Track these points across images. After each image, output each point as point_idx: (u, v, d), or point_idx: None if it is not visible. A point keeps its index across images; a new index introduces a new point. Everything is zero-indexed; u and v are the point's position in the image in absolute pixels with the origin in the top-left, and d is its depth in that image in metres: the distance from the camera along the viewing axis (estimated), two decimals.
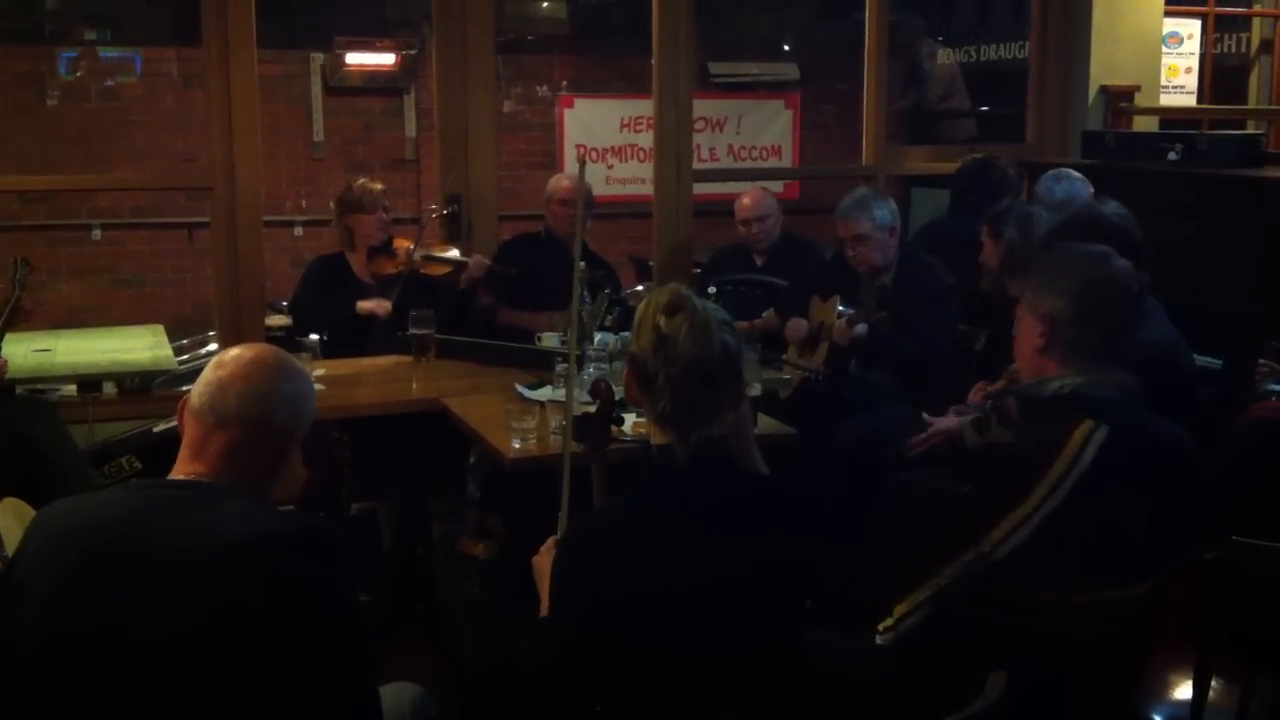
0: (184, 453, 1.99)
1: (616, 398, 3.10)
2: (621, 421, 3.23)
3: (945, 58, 7.57)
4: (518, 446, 3.37)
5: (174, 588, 1.80)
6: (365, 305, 4.52)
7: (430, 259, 4.70)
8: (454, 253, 4.81)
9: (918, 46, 7.24)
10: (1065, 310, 2.46)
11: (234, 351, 2.06)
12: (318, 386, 3.79)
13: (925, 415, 3.66)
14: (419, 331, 4.22)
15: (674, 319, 2.12)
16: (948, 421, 3.60)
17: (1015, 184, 4.98)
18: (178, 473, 1.98)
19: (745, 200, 5.21)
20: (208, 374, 2.02)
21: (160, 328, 5.79)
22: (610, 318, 4.37)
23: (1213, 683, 2.46)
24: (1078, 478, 2.28)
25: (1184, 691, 2.56)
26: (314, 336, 4.54)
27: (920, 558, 2.33)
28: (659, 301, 2.17)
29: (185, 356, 5.60)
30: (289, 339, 4.68)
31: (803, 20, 9.14)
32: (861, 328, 4.17)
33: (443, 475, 4.30)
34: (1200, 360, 3.91)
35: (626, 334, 4.27)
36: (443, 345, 4.26)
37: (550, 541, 2.49)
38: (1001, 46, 7.53)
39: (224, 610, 1.79)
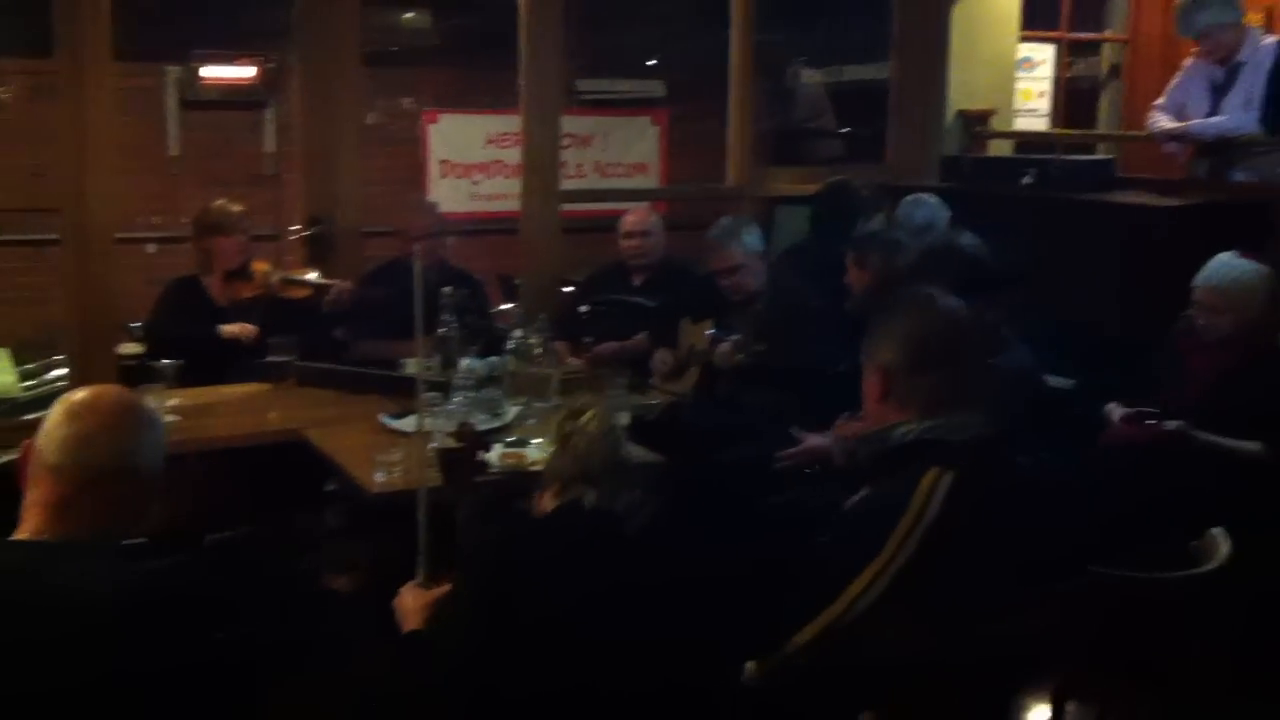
0: (41, 511, 1.90)
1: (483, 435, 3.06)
2: (488, 448, 3.18)
3: (810, 78, 7.67)
4: (381, 479, 3.30)
5: (48, 650, 1.75)
6: (229, 329, 4.39)
7: (290, 282, 4.59)
8: (315, 275, 4.70)
9: (784, 66, 7.33)
10: (898, 359, 2.48)
11: (84, 398, 1.98)
12: (172, 417, 3.71)
13: (795, 431, 3.69)
14: (278, 358, 4.11)
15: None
16: (818, 439, 3.63)
17: (873, 207, 5.05)
18: (34, 531, 1.90)
19: (630, 215, 5.22)
20: (63, 426, 1.93)
21: (4, 351, 5.55)
22: (478, 343, 4.31)
23: (1069, 706, 2.52)
24: (929, 526, 2.29)
25: (1042, 715, 2.62)
26: (169, 361, 4.40)
27: (783, 613, 2.33)
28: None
29: (31, 382, 5.38)
30: (142, 365, 4.52)
31: (670, 37, 9.18)
32: (740, 354, 4.19)
33: (303, 505, 4.19)
34: (1054, 381, 4.01)
35: (495, 359, 4.24)
36: (303, 372, 4.16)
37: (412, 586, 2.46)
38: (865, 66, 7.66)
39: (104, 671, 1.75)
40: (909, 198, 4.77)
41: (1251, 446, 3.69)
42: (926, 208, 4.68)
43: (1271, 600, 3.12)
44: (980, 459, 2.41)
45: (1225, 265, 3.99)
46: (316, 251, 5.10)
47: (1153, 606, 2.63)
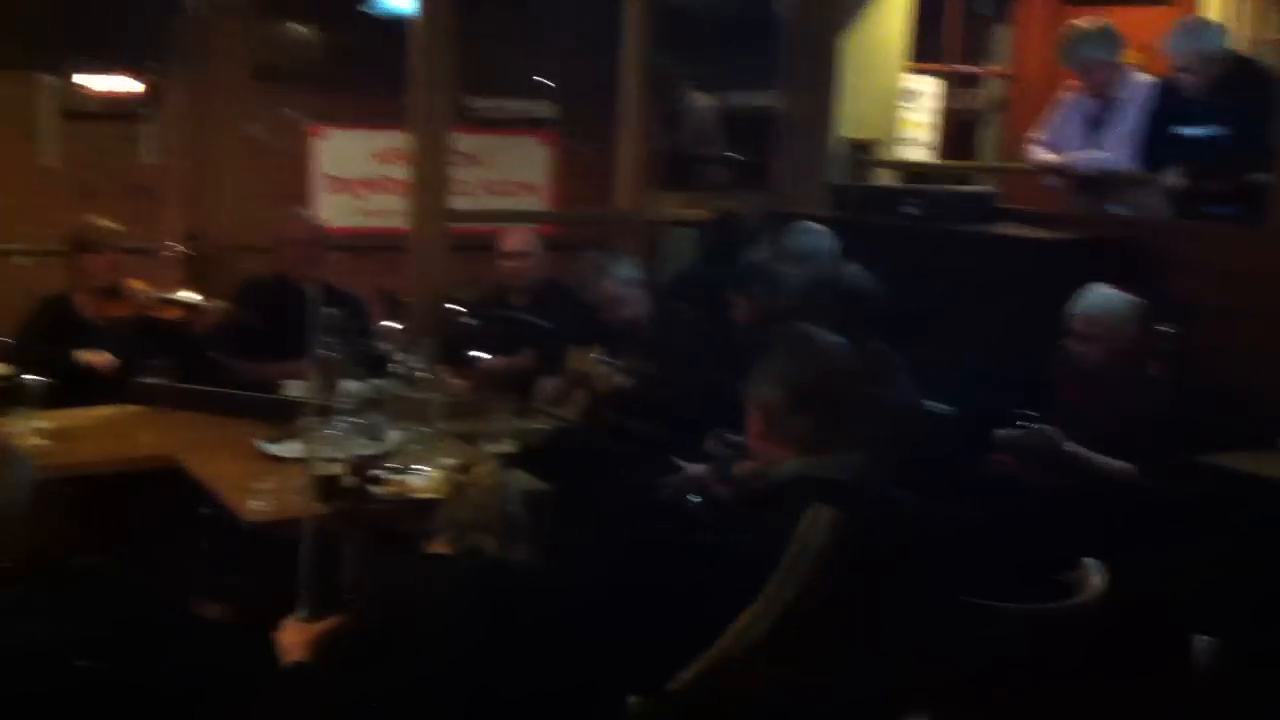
0: None
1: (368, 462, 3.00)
2: (373, 476, 3.12)
3: (700, 102, 7.70)
4: (257, 507, 3.22)
5: None
6: (85, 357, 4.24)
7: (165, 301, 4.47)
8: (191, 295, 4.58)
9: (674, 89, 7.35)
10: (778, 398, 2.49)
11: None
12: (40, 441, 3.57)
13: (679, 461, 3.69)
14: (151, 380, 3.99)
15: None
16: (701, 468, 3.63)
17: (760, 235, 5.08)
18: None
19: (509, 236, 5.20)
20: None
21: None
22: (360, 365, 4.23)
23: None
24: (810, 564, 2.29)
25: None
26: (35, 379, 4.23)
27: (664, 651, 2.31)
28: None
29: None
30: (9, 385, 4.35)
31: (562, 57, 9.16)
32: (626, 380, 4.18)
33: (176, 532, 4.07)
34: (935, 408, 4.07)
35: (377, 382, 4.17)
36: (177, 395, 4.04)
37: (295, 619, 2.41)
38: (754, 93, 7.70)
39: None
40: (796, 226, 4.81)
41: (1121, 465, 3.80)
42: (813, 236, 4.72)
43: (1145, 629, 3.19)
44: (861, 497, 2.42)
45: (1099, 296, 4.11)
46: (194, 269, 4.97)
47: (1028, 639, 2.66)
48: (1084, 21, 5.36)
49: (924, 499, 2.83)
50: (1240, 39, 5.82)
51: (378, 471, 3.23)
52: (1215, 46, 4.94)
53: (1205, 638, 3.34)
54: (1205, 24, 5.29)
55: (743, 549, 2.52)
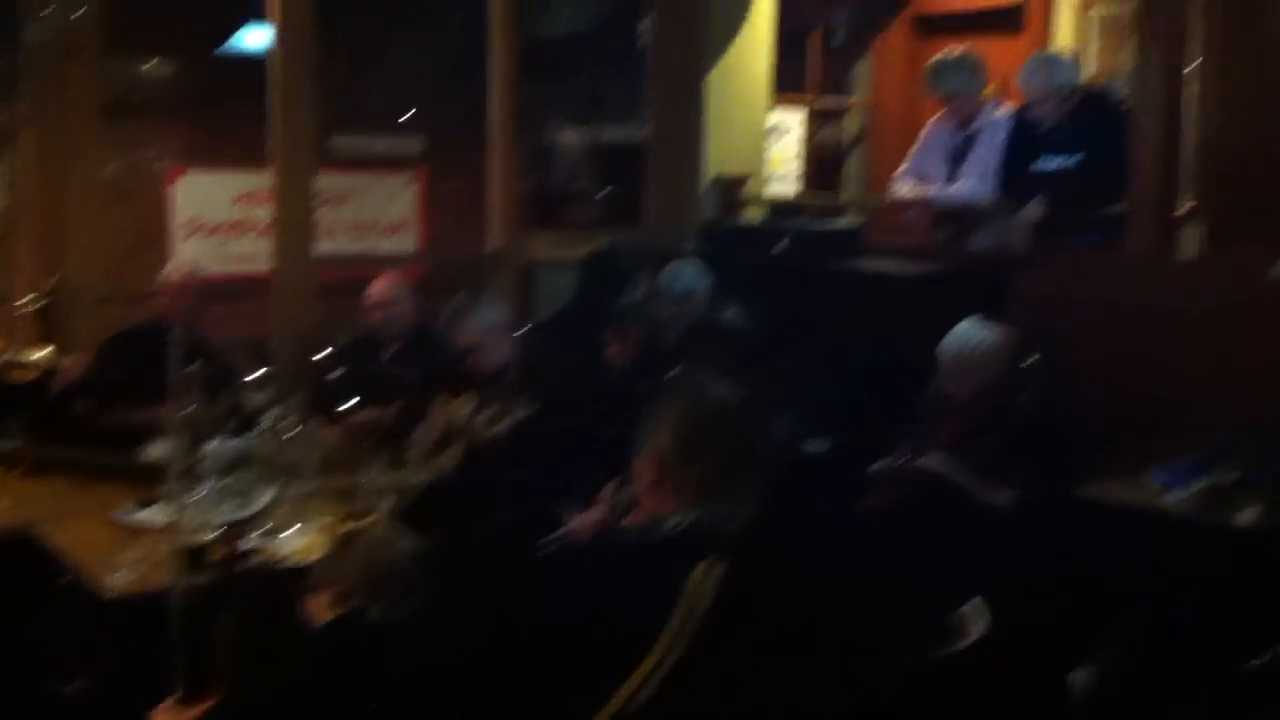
0: None
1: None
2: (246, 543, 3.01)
3: (569, 137, 7.68)
4: (120, 579, 3.08)
5: None
6: None
7: (14, 364, 4.28)
8: (44, 354, 4.39)
9: (543, 124, 7.32)
10: (671, 447, 2.46)
11: None
12: None
13: (563, 514, 3.64)
14: (4, 445, 3.81)
15: None
16: (580, 520, 3.59)
17: (637, 274, 5.07)
18: None
19: (375, 285, 5.07)
20: None
21: None
22: (228, 423, 4.10)
23: None
24: (700, 621, 2.27)
25: None
26: None
27: (552, 710, 2.26)
28: None
29: None
30: None
31: (429, 93, 9.04)
32: (501, 428, 4.12)
33: (34, 606, 3.89)
34: (813, 447, 4.10)
35: (246, 440, 4.03)
36: (33, 459, 3.87)
37: (169, 704, 2.31)
38: (624, 127, 7.70)
39: None
40: (670, 265, 4.81)
41: (1000, 497, 3.87)
42: (688, 275, 4.73)
43: (1026, 665, 3.23)
44: (751, 547, 2.41)
45: (967, 333, 4.19)
46: (50, 321, 4.78)
47: (917, 684, 2.67)
48: (950, 51, 5.47)
49: (809, 543, 2.85)
50: (1092, 71, 6.00)
51: (250, 537, 3.12)
52: (1068, 80, 5.07)
53: (1081, 670, 3.39)
54: (1058, 58, 5.45)
55: (632, 602, 2.49)
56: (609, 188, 7.27)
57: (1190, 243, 4.99)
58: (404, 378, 4.85)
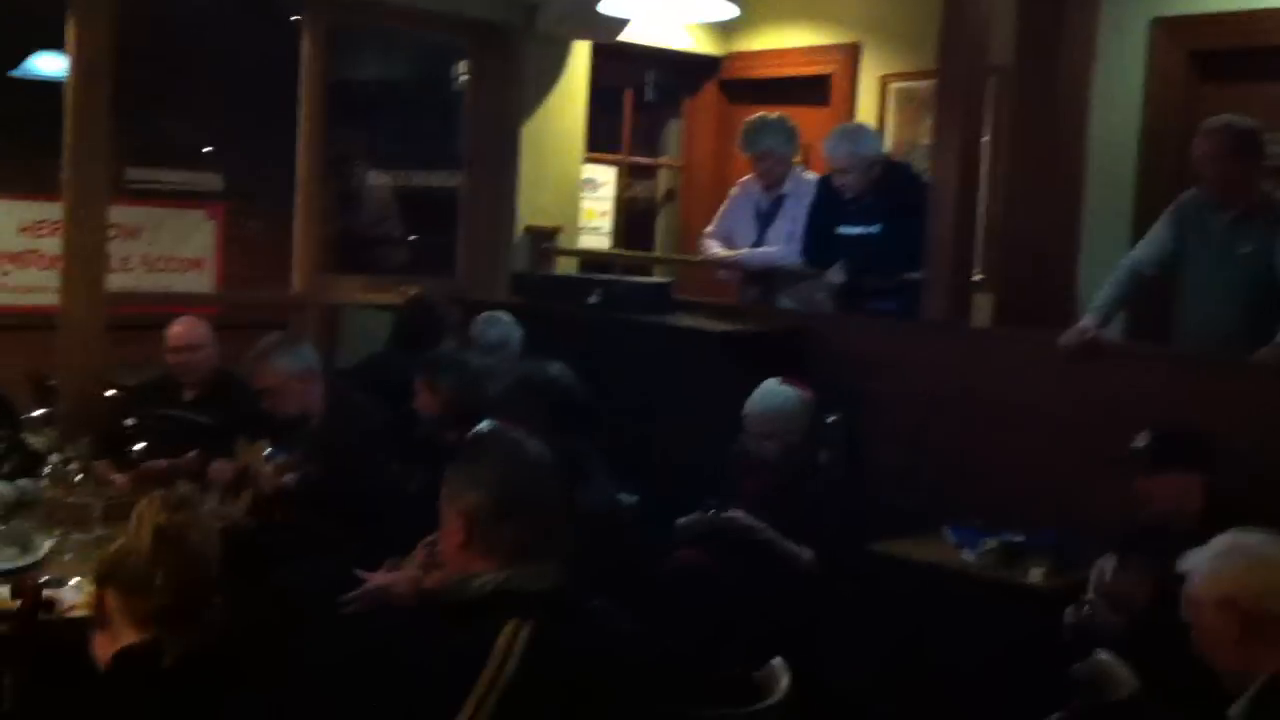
0: None
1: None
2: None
3: (378, 180, 7.58)
4: None
5: None
6: None
7: None
8: None
9: (352, 167, 7.21)
10: (482, 506, 2.41)
11: None
12: None
13: (359, 572, 3.53)
14: None
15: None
16: (383, 578, 3.48)
17: (453, 324, 5.02)
18: None
19: (174, 327, 4.84)
20: None
21: None
22: (8, 464, 3.87)
23: None
24: (507, 683, 2.22)
25: None
26: None
27: None
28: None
29: None
30: None
31: (231, 130, 8.81)
32: (290, 477, 3.99)
33: None
34: (621, 502, 4.09)
35: (25, 483, 3.82)
36: None
37: None
38: (435, 173, 7.65)
39: None
40: (483, 315, 4.77)
41: (804, 551, 3.94)
42: (500, 326, 4.70)
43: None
44: (559, 608, 2.37)
45: (771, 392, 4.27)
46: None
47: None
48: (767, 114, 5.61)
49: (617, 601, 2.82)
50: (893, 143, 6.24)
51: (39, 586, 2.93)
52: (871, 151, 5.26)
53: None
54: (862, 129, 5.64)
55: (438, 663, 2.43)
56: (419, 234, 7.20)
57: (982, 312, 5.23)
58: (201, 422, 4.66)
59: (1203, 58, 5.60)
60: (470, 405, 3.77)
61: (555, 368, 3.59)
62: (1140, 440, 3.60)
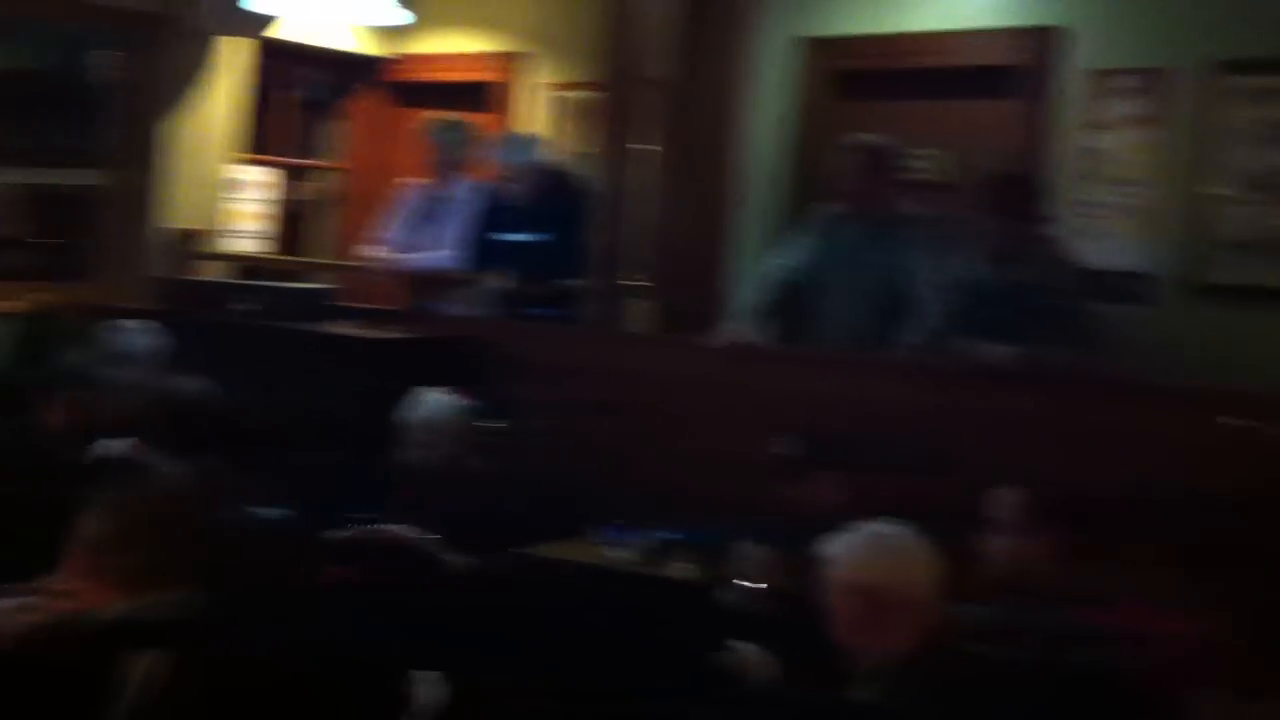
0: None
1: None
2: None
3: (8, 179, 6.99)
4: None
5: None
6: None
7: None
8: None
9: None
10: (103, 534, 2.27)
11: None
12: None
13: None
14: None
15: None
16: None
17: (79, 332, 4.68)
18: None
19: None
20: None
21: None
22: None
23: None
24: (137, 715, 2.08)
25: None
26: None
27: None
28: None
29: None
30: None
31: None
32: None
33: None
34: (269, 518, 3.91)
35: None
36: None
37: None
38: (68, 171, 7.11)
39: None
40: (115, 323, 4.47)
41: (461, 560, 3.88)
42: (137, 336, 4.41)
43: None
44: (193, 637, 2.24)
45: (429, 400, 4.21)
46: None
47: None
48: (448, 115, 5.58)
49: (264, 622, 2.68)
50: (558, 152, 6.27)
51: None
52: (536, 158, 5.27)
53: None
54: (527, 138, 5.65)
55: (59, 701, 2.25)
56: (50, 237, 6.67)
57: (641, 318, 5.33)
58: None
59: (845, 77, 5.90)
60: (98, 422, 3.51)
61: (194, 382, 3.39)
62: (786, 440, 3.77)
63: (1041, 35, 5.29)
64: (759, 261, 5.06)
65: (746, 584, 3.53)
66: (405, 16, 5.45)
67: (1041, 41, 5.30)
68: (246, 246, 6.54)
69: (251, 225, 6.61)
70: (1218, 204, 4.93)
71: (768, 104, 5.76)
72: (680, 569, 3.89)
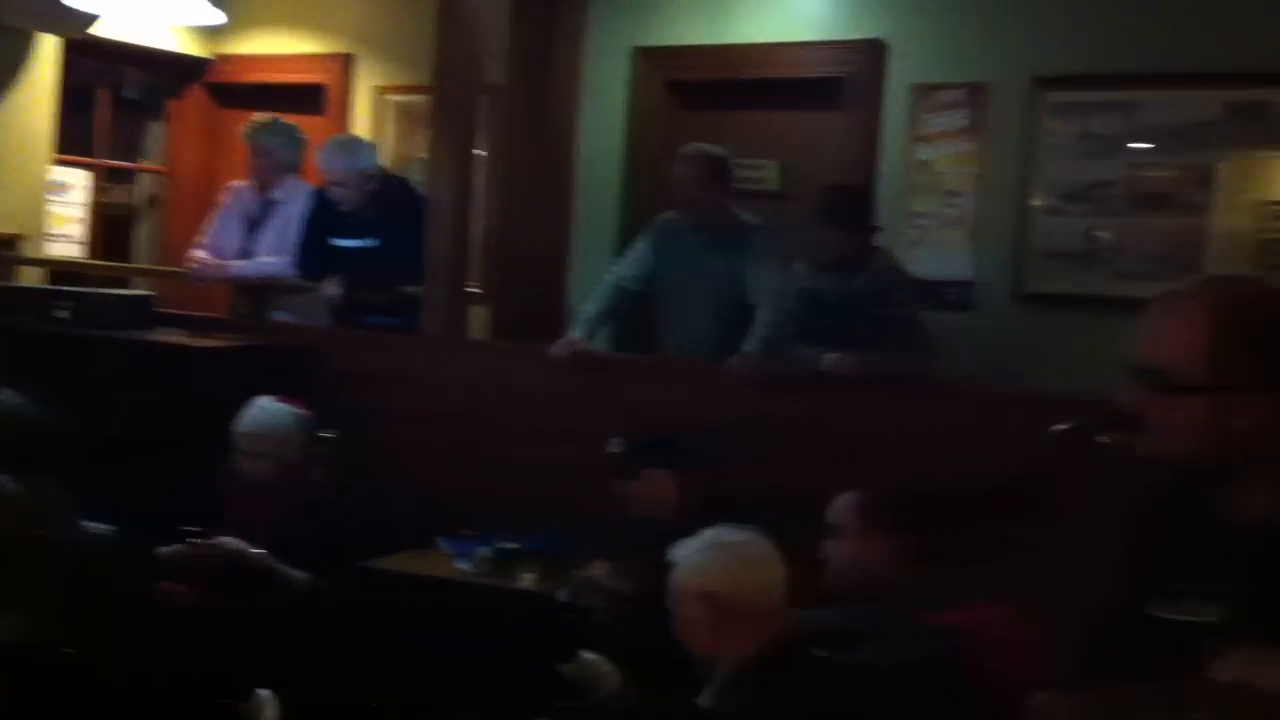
0: None
1: None
2: None
3: None
4: None
5: None
6: None
7: None
8: None
9: None
10: None
11: None
12: None
13: None
14: None
15: None
16: None
17: None
18: None
19: None
20: None
21: None
22: None
23: None
24: None
25: None
26: None
27: None
28: None
29: None
30: None
31: None
32: None
33: None
34: (95, 536, 3.75)
35: None
36: None
37: None
38: None
39: None
40: None
41: (300, 575, 3.79)
42: None
43: None
44: (30, 660, 2.13)
45: (261, 410, 4.09)
46: None
47: None
48: (274, 116, 5.43)
49: (99, 642, 2.58)
50: (389, 156, 6.18)
51: None
52: (367, 163, 5.17)
53: None
54: (357, 141, 5.53)
55: None
56: None
57: (479, 325, 5.29)
58: None
59: (680, 87, 5.96)
60: None
61: (4, 394, 3.22)
62: (614, 445, 3.80)
63: (868, 48, 5.45)
64: (598, 268, 5.07)
65: (591, 592, 3.53)
66: (218, 16, 5.29)
67: (868, 55, 5.45)
68: (67, 251, 6.27)
69: (72, 229, 6.34)
70: (1036, 215, 5.15)
71: (605, 112, 5.78)
72: (525, 578, 3.88)
